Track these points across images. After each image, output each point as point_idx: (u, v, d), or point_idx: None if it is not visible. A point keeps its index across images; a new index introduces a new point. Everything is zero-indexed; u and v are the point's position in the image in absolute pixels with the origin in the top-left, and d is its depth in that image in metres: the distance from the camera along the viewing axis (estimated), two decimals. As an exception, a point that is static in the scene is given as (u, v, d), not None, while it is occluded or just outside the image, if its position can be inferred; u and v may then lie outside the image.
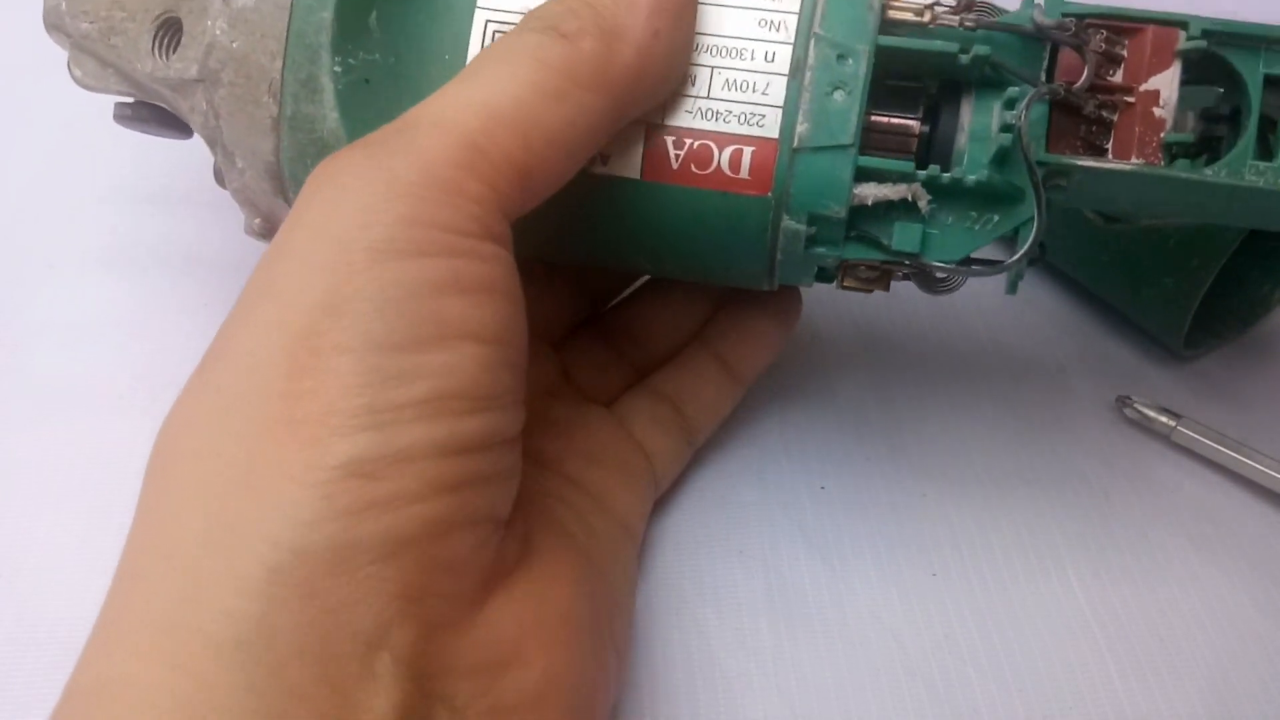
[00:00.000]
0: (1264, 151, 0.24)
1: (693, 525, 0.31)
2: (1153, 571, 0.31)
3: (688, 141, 0.24)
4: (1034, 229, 0.24)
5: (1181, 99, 0.24)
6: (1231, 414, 0.35)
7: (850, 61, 0.24)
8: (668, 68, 0.23)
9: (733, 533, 0.31)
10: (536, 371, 0.29)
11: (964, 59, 0.24)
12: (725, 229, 0.25)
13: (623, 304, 0.33)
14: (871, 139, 0.25)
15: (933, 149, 0.25)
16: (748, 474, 0.33)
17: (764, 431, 0.34)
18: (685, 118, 0.24)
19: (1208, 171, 0.24)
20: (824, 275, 0.26)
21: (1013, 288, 0.25)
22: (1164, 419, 0.34)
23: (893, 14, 0.24)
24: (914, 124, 0.25)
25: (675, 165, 0.24)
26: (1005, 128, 0.23)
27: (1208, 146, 0.25)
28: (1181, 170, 0.24)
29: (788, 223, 0.24)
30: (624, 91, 0.22)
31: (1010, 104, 0.23)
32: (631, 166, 0.24)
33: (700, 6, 0.24)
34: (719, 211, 0.24)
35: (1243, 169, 0.24)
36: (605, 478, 0.28)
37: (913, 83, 0.25)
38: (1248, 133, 0.24)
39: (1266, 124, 0.24)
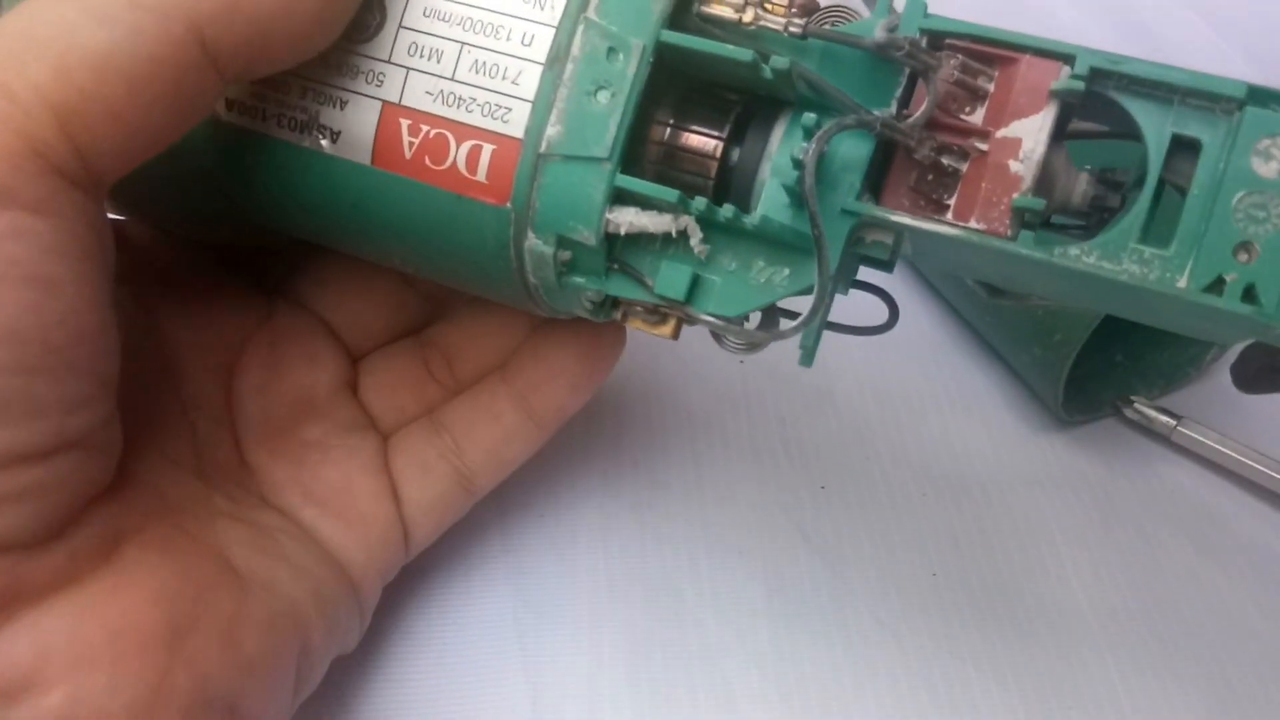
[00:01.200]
0: (1157, 234, 0.18)
1: (693, 525, 0.31)
2: (1153, 572, 0.31)
3: (424, 128, 0.20)
4: (815, 293, 0.19)
5: (1052, 156, 0.18)
6: (1231, 414, 0.35)
7: (621, 57, 0.19)
8: (286, 7, 0.19)
9: (733, 533, 0.31)
10: (311, 380, 0.26)
11: (766, 72, 0.19)
12: (462, 240, 0.21)
13: (449, 318, 0.28)
14: (652, 152, 0.20)
15: (735, 177, 0.20)
16: (748, 474, 0.32)
17: (764, 431, 0.33)
18: (425, 99, 0.20)
19: (1074, 251, 0.18)
20: (602, 309, 0.22)
21: (807, 359, 0.21)
22: (1164, 419, 0.34)
23: (711, 8, 0.20)
24: (712, 144, 0.20)
25: (408, 154, 0.20)
26: (796, 163, 0.18)
27: (1099, 219, 0.19)
28: (1024, 246, 0.18)
29: (533, 242, 0.20)
30: (212, 22, 0.18)
31: (808, 133, 0.18)
32: (361, 150, 0.21)
33: None
34: (454, 218, 0.20)
35: (1120, 253, 0.18)
36: (319, 517, 0.25)
37: (733, 94, 0.21)
38: (1137, 206, 0.18)
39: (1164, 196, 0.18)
